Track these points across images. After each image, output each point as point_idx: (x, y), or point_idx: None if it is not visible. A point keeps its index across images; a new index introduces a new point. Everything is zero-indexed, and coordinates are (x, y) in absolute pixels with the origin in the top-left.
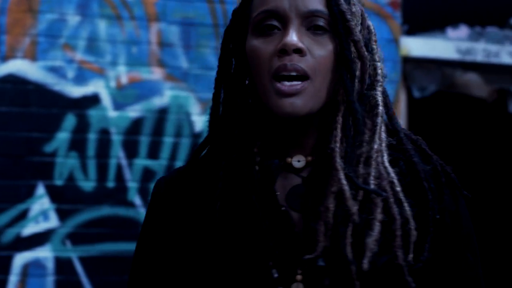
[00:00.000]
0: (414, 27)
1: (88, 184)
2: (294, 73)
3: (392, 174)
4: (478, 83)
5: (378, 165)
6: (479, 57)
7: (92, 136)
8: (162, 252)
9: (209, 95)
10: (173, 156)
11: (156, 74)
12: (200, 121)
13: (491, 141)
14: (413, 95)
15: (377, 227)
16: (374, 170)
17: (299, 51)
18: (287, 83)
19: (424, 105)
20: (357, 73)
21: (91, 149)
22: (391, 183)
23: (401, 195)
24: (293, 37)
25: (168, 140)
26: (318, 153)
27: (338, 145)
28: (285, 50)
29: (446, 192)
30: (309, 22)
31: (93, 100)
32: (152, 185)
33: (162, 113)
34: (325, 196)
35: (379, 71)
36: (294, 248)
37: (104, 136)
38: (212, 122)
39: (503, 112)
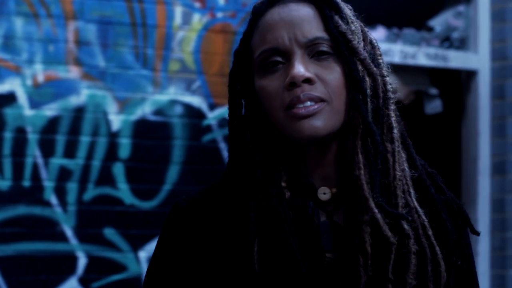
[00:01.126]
0: None
1: (3, 183)
2: (308, 103)
3: (418, 207)
4: (396, 84)
5: (404, 194)
6: (396, 59)
7: (7, 135)
8: (187, 275)
9: (126, 94)
10: (89, 156)
11: (73, 72)
12: (117, 120)
13: None
14: None
15: (413, 259)
16: (401, 199)
17: (308, 81)
18: (301, 105)
19: None
20: (368, 91)
21: (6, 148)
22: (419, 215)
23: (431, 233)
24: (299, 68)
25: (84, 139)
26: (343, 183)
27: (362, 171)
28: (294, 83)
29: (463, 236)
30: (312, 50)
31: (9, 98)
32: (69, 185)
33: (78, 112)
34: (358, 227)
35: (389, 86)
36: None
37: (20, 134)
38: (232, 160)
39: (420, 113)
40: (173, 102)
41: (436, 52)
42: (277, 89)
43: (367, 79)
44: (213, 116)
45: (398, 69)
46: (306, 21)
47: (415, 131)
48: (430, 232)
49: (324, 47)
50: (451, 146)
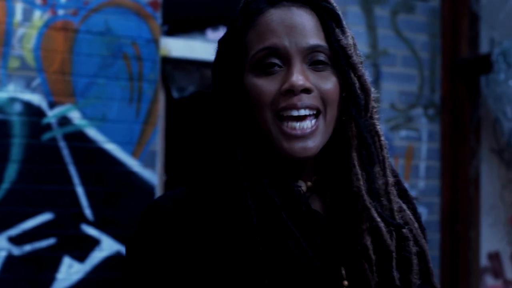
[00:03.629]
0: (174, 28)
1: None
2: (303, 111)
3: (404, 207)
4: None
5: (396, 198)
6: None
7: None
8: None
9: None
10: None
11: None
12: None
13: None
14: (172, 96)
15: (415, 260)
16: (395, 204)
17: (306, 91)
18: (296, 124)
19: (183, 106)
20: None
21: None
22: (409, 216)
23: (419, 230)
24: (299, 77)
25: None
26: (322, 180)
27: (361, 182)
28: (292, 91)
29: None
30: (310, 58)
31: None
32: None
33: None
34: (360, 235)
35: (372, 95)
36: (335, 280)
37: None
38: (210, 154)
39: None
40: (13, 100)
41: None
42: (272, 91)
43: (361, 93)
44: (53, 114)
45: None
46: (308, 28)
47: None
48: (422, 232)
49: (322, 57)
50: None
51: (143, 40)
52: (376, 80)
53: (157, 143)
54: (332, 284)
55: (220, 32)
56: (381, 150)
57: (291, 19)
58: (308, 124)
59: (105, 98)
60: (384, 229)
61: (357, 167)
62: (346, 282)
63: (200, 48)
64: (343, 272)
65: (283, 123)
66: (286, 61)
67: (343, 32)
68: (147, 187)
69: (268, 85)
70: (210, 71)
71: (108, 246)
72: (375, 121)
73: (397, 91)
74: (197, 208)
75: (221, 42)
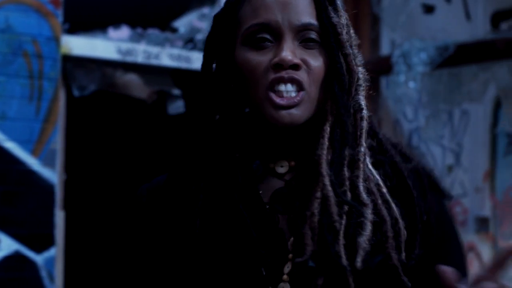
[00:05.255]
0: (75, 26)
1: None
2: (290, 84)
3: (377, 176)
4: (138, 84)
5: (364, 167)
6: (140, 59)
7: None
8: (146, 261)
9: None
10: None
11: None
12: None
13: (151, 142)
14: (73, 94)
15: (368, 227)
16: (362, 172)
17: (295, 67)
18: (284, 94)
19: (84, 104)
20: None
21: None
22: (378, 185)
23: (388, 196)
24: (288, 53)
25: None
26: (302, 158)
27: (325, 152)
28: (281, 65)
29: (429, 193)
30: (302, 36)
31: None
32: None
33: None
34: (310, 201)
35: (361, 75)
36: (280, 249)
37: None
38: (193, 129)
39: (163, 113)
40: None
41: (180, 53)
42: (261, 65)
43: (346, 74)
44: None
45: (142, 69)
46: (302, 6)
47: (157, 131)
48: (384, 190)
49: (313, 35)
50: None
51: (44, 38)
52: None
53: (57, 142)
54: (276, 259)
55: (123, 31)
56: (361, 120)
57: None
58: (293, 93)
59: (5, 96)
60: (333, 199)
61: (325, 139)
62: (290, 255)
63: (102, 46)
64: (290, 243)
65: (270, 94)
66: (278, 37)
67: (336, 10)
68: (46, 186)
69: (259, 59)
70: (111, 70)
71: (6, 246)
72: (360, 97)
73: None
74: (166, 193)
75: (216, 16)
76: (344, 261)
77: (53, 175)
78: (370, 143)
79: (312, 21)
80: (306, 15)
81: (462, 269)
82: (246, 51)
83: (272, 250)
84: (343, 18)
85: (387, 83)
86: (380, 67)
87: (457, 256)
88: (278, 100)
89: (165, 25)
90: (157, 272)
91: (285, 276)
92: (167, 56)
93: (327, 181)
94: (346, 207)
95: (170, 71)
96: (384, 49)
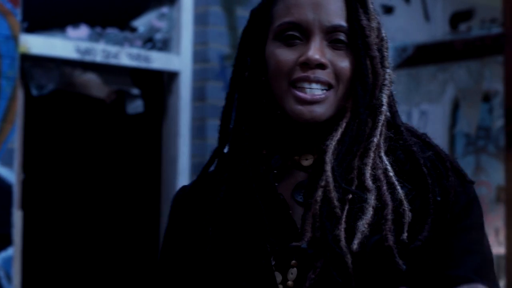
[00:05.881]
0: (34, 25)
1: None
2: (315, 85)
3: (386, 161)
4: (97, 84)
5: (375, 157)
6: (99, 58)
7: None
8: (177, 257)
9: None
10: None
11: None
12: None
13: (109, 141)
14: (31, 93)
15: (369, 211)
16: (372, 160)
17: (321, 66)
18: (308, 90)
19: (42, 104)
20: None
21: None
22: (385, 170)
23: (394, 180)
24: (316, 52)
25: None
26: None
27: (334, 143)
28: (308, 64)
29: (450, 176)
30: (331, 36)
31: None
32: None
33: None
34: (315, 189)
35: (387, 76)
36: (290, 237)
37: None
38: (223, 125)
39: (121, 113)
40: None
41: (139, 52)
42: (289, 61)
43: (371, 76)
44: None
45: (100, 69)
46: (333, 7)
47: (116, 130)
48: (391, 174)
49: (342, 36)
50: (152, 146)
51: (2, 36)
52: None
53: (15, 141)
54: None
55: (81, 31)
56: (379, 115)
57: None
58: (318, 91)
59: None
60: (332, 185)
61: (338, 132)
62: (294, 262)
63: (60, 45)
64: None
65: (295, 90)
66: (307, 36)
67: (366, 13)
68: (4, 186)
69: (286, 55)
70: (70, 69)
71: None
72: (383, 95)
73: None
74: (197, 187)
75: (252, 12)
76: (343, 244)
77: (11, 175)
78: (387, 133)
79: (341, 23)
80: (336, 16)
81: (475, 247)
82: (276, 46)
83: (283, 238)
84: (374, 22)
85: None
86: None
87: (472, 235)
88: (301, 94)
89: (124, 24)
90: (184, 265)
91: (293, 262)
92: (126, 55)
93: (328, 168)
94: (350, 194)
95: (129, 71)
96: None
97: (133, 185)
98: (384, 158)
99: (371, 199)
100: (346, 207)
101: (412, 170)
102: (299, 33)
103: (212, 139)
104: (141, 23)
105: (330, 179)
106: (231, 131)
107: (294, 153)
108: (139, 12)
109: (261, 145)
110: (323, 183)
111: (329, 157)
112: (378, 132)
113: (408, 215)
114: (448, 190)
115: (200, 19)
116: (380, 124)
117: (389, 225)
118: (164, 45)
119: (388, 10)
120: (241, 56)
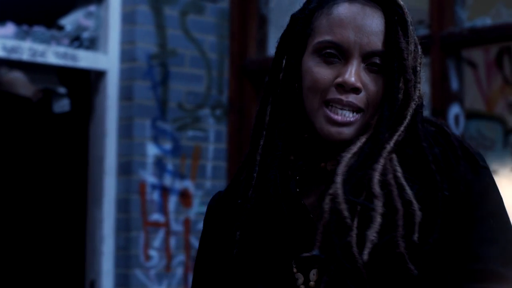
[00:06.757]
0: None
1: None
2: (347, 109)
3: (396, 163)
4: (23, 82)
5: (385, 162)
6: (25, 56)
7: None
8: (209, 261)
9: None
10: None
11: None
12: None
13: (36, 140)
14: None
15: (377, 219)
16: (381, 166)
17: (356, 90)
18: (340, 111)
19: None
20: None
21: None
22: (394, 171)
23: (403, 181)
24: (352, 76)
25: None
26: None
27: (349, 156)
28: (343, 86)
29: (462, 163)
30: (368, 60)
31: None
32: None
33: None
34: (323, 198)
35: (418, 92)
36: (310, 242)
37: None
38: (257, 128)
39: (48, 112)
40: None
41: (66, 51)
42: (325, 80)
43: (401, 96)
44: None
45: (27, 67)
46: (375, 32)
47: (42, 129)
48: (399, 174)
49: (378, 60)
50: (79, 145)
51: None
52: (164, 80)
53: None
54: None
55: (8, 28)
56: (399, 125)
57: (362, 19)
58: (349, 114)
59: None
60: (341, 196)
61: (356, 146)
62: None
63: None
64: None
65: (327, 110)
66: (346, 57)
67: (406, 36)
68: None
69: (324, 74)
70: None
71: None
72: (410, 109)
73: (185, 91)
74: (229, 197)
75: (293, 17)
76: (355, 250)
77: None
78: (404, 136)
79: (381, 48)
80: (377, 42)
81: (495, 235)
82: (314, 61)
83: (305, 241)
84: (411, 45)
85: None
86: (267, 68)
87: (491, 223)
88: (332, 115)
89: (51, 22)
90: (214, 269)
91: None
92: (52, 54)
93: (338, 179)
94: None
95: (56, 69)
96: (271, 50)
97: (60, 184)
98: (395, 159)
99: (379, 206)
100: (356, 218)
101: (421, 167)
102: (338, 53)
103: (139, 138)
104: (69, 21)
105: (339, 191)
106: (264, 135)
107: (320, 159)
108: (66, 10)
109: (289, 151)
110: (331, 191)
111: (341, 169)
112: (393, 141)
113: (418, 215)
114: (458, 182)
115: (128, 18)
116: (397, 134)
117: (400, 231)
118: (92, 44)
119: None
120: (278, 60)
